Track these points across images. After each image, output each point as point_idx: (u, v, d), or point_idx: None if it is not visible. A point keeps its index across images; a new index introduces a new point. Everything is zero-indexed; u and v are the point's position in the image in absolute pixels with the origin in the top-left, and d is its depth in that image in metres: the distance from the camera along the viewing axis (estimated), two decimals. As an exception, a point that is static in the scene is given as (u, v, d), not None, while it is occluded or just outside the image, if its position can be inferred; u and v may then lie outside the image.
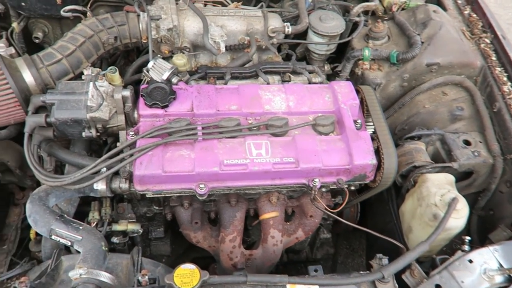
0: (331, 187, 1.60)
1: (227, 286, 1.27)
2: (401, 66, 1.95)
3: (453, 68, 1.95)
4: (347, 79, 2.09)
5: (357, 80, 2.05)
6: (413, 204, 1.71)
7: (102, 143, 1.88)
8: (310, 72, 1.90)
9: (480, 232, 1.89)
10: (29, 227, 1.90)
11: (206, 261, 2.01)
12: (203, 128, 1.50)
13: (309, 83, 1.85)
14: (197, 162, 1.43)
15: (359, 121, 1.61)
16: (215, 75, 1.82)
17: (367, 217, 2.20)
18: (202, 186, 1.43)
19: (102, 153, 1.90)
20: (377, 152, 1.58)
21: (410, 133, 1.91)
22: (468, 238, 1.54)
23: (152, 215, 1.73)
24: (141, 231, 1.72)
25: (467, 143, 1.83)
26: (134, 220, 1.68)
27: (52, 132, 1.60)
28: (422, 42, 1.93)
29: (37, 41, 2.17)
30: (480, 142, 1.83)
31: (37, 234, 1.73)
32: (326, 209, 1.56)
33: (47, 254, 1.60)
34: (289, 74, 1.85)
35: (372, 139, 1.59)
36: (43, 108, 1.60)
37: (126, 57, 2.29)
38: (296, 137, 1.53)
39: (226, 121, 1.52)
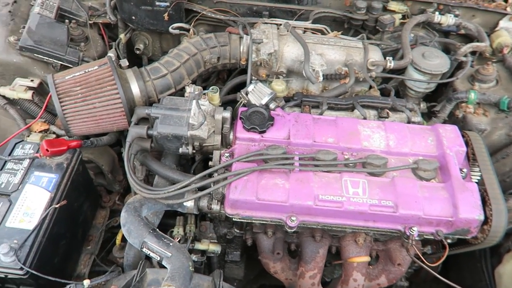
0: (425, 237, 1.49)
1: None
2: (511, 114, 1.81)
3: None
4: (445, 121, 1.98)
5: (456, 123, 1.92)
6: (515, 268, 1.55)
7: (191, 158, 1.91)
8: (409, 111, 1.81)
9: None
10: (111, 230, 1.97)
11: (275, 290, 1.97)
12: (299, 159, 1.46)
13: (408, 122, 1.76)
14: (292, 193, 1.40)
15: (464, 170, 1.50)
16: (310, 103, 1.79)
17: (451, 270, 2.04)
18: (294, 218, 1.39)
19: (189, 168, 1.94)
20: (483, 206, 1.45)
21: (512, 186, 1.75)
22: None
23: (231, 237, 1.72)
24: (219, 251, 1.71)
25: None
26: (215, 240, 1.67)
27: (150, 143, 1.64)
28: (540, 91, 1.78)
29: (138, 52, 2.29)
30: None
31: (122, 240, 1.78)
32: (422, 261, 1.45)
33: (129, 262, 1.63)
34: (387, 111, 1.77)
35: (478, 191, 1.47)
36: (144, 120, 1.66)
37: (217, 75, 2.34)
38: (395, 180, 1.45)
39: (323, 154, 1.48)
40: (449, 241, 1.51)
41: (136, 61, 2.33)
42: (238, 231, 1.70)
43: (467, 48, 2.00)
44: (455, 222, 1.39)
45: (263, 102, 1.64)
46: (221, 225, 1.73)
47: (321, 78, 1.82)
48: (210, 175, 1.49)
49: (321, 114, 1.74)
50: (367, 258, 1.54)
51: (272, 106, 1.66)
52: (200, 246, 1.64)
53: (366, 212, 1.39)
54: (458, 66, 2.03)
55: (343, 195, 1.40)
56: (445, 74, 1.99)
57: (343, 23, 2.19)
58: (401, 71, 2.03)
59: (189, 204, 1.55)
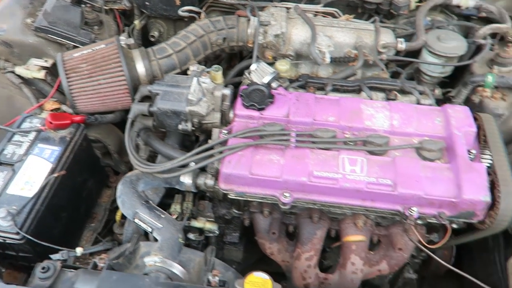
0: (428, 221, 1.41)
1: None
2: (532, 98, 1.70)
3: None
4: (460, 107, 1.88)
5: (473, 108, 1.82)
6: (530, 259, 1.44)
7: (195, 140, 1.92)
8: (420, 93, 1.73)
9: None
10: (116, 209, 2.00)
11: (275, 277, 1.92)
12: (296, 135, 1.43)
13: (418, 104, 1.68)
14: (286, 169, 1.37)
15: (473, 151, 1.41)
16: (315, 85, 1.75)
17: (464, 264, 1.92)
18: (287, 194, 1.36)
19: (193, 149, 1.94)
20: (492, 189, 1.36)
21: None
22: None
23: (230, 218, 1.70)
24: (217, 232, 1.70)
25: None
26: (212, 219, 1.66)
27: (152, 122, 1.66)
28: (562, 73, 1.66)
29: (152, 39, 2.32)
30: None
31: (122, 217, 1.80)
32: (421, 243, 1.38)
33: (127, 238, 1.64)
34: (396, 93, 1.71)
35: (488, 174, 1.38)
36: (148, 99, 1.68)
37: (229, 62, 2.34)
38: (396, 159, 1.39)
39: (322, 131, 1.44)
40: (454, 226, 1.43)
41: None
42: (236, 211, 1.68)
43: (486, 29, 1.89)
44: (458, 203, 1.31)
45: (265, 80, 1.62)
46: (220, 205, 1.72)
47: (328, 60, 1.79)
48: (207, 151, 1.48)
49: (325, 95, 1.69)
50: (362, 238, 1.48)
51: (274, 85, 1.63)
52: (196, 223, 1.63)
53: (362, 190, 1.34)
54: (478, 50, 1.93)
55: (339, 172, 1.36)
56: (462, 58, 1.89)
57: (356, 8, 2.14)
58: (416, 56, 1.96)
59: (187, 181, 1.54)
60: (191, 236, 1.68)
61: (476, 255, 1.86)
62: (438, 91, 1.94)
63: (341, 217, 1.56)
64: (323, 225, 1.56)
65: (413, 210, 1.32)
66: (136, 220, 1.38)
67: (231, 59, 2.31)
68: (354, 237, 1.48)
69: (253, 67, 1.66)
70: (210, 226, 1.64)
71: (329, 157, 1.40)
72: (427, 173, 1.36)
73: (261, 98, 1.53)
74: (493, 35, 1.94)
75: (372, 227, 1.56)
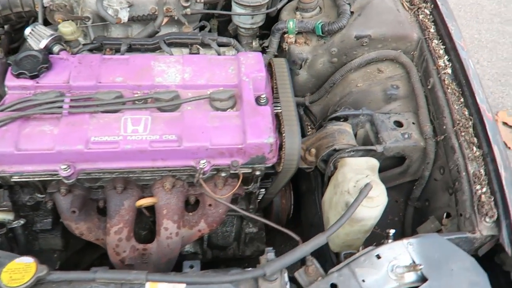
0: (232, 172, 1.38)
1: (72, 284, 1.06)
2: (329, 39, 1.74)
3: (387, 42, 1.74)
4: (275, 56, 1.88)
5: (285, 56, 1.84)
6: (330, 192, 1.50)
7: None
8: (224, 45, 1.69)
9: (415, 226, 1.68)
10: None
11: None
12: (72, 101, 1.29)
13: (220, 56, 1.64)
14: (59, 139, 1.22)
15: (263, 95, 1.40)
16: (112, 46, 1.61)
17: (301, 210, 2.00)
18: (64, 167, 1.22)
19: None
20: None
21: (340, 115, 1.70)
22: (392, 231, 1.32)
23: (34, 203, 1.52)
24: (22, 221, 1.51)
25: (398, 124, 1.63)
26: (6, 208, 1.46)
27: None
28: (352, 12, 1.73)
29: None
30: (414, 123, 1.63)
31: None
32: (214, 195, 1.35)
33: None
34: (198, 46, 1.64)
35: (279, 117, 1.39)
36: None
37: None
38: (184, 113, 1.32)
39: (104, 93, 1.32)
40: (258, 173, 1.42)
41: None
42: (39, 195, 1.50)
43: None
44: (245, 149, 1.29)
45: (42, 45, 1.44)
46: (22, 192, 1.53)
47: (124, 19, 1.65)
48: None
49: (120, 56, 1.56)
50: (151, 200, 1.41)
51: (56, 49, 1.46)
52: (-17, 216, 1.43)
53: (146, 149, 1.25)
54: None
55: (119, 135, 1.25)
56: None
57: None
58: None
59: (-40, 171, 1.32)
60: (-12, 232, 1.47)
61: (306, 199, 1.93)
62: (255, 43, 1.94)
63: (151, 183, 1.47)
64: (131, 194, 1.46)
65: (202, 163, 1.28)
66: None
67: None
68: (143, 201, 1.40)
69: (27, 31, 1.46)
70: (3, 216, 1.44)
71: (111, 120, 1.29)
72: (215, 123, 1.31)
73: (33, 65, 1.35)
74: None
75: (184, 187, 1.50)
